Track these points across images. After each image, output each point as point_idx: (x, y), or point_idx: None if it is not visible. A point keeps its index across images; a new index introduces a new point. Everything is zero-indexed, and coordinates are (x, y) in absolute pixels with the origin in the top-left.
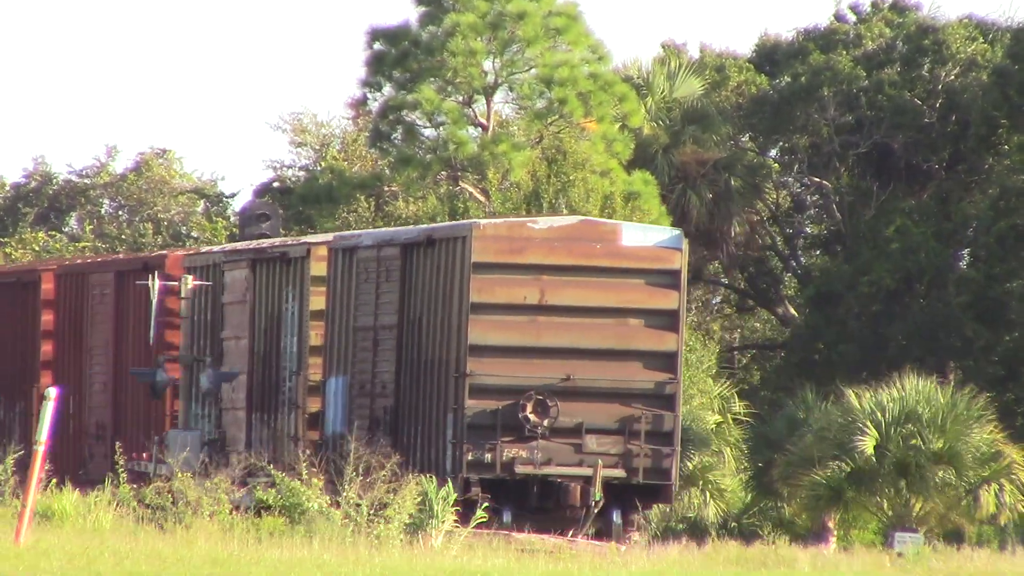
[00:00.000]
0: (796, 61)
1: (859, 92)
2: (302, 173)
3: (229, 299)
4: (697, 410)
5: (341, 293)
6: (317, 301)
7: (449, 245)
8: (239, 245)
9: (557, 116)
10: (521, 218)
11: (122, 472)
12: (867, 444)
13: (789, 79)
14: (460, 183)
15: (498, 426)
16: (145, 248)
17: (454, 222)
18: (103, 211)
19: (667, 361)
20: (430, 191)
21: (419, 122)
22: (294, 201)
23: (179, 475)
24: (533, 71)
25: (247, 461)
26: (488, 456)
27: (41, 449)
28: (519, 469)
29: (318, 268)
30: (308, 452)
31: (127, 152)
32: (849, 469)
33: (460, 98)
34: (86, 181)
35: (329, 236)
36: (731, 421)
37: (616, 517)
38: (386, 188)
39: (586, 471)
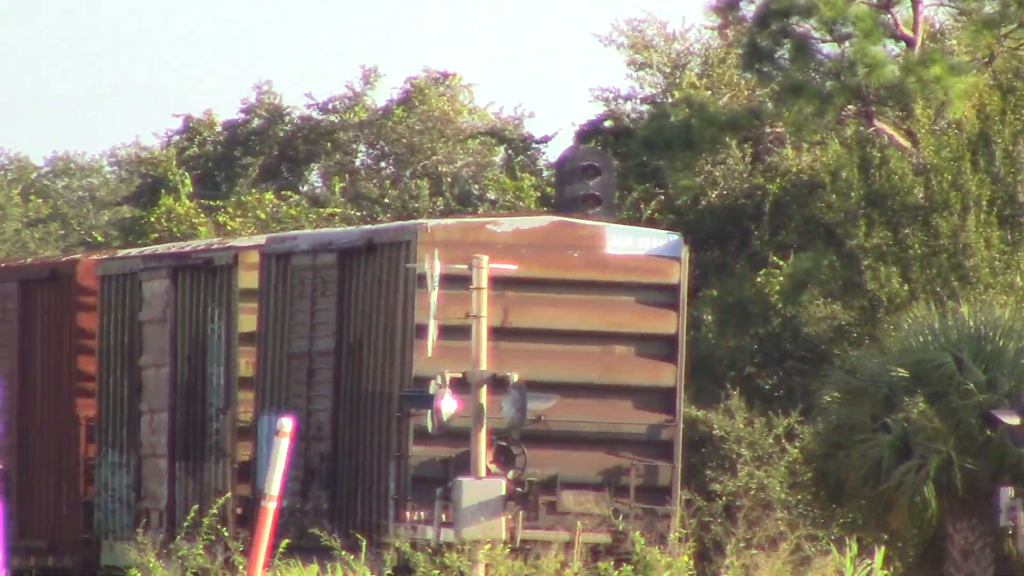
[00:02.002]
0: None
1: None
2: (646, 108)
3: (148, 316)
4: None
5: (275, 310)
6: (247, 320)
7: (391, 251)
8: (159, 249)
9: (1016, 24)
10: (479, 218)
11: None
12: None
13: None
14: (875, 121)
15: (451, 478)
16: (420, 215)
17: (399, 223)
18: (358, 162)
19: (663, 399)
20: (831, 133)
21: (814, 34)
22: (635, 147)
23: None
24: None
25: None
26: (440, 516)
27: (273, 507)
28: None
29: (248, 279)
30: (239, 511)
31: (392, 78)
32: None
33: None
34: (333, 119)
35: (262, 238)
36: None
37: None
38: (768, 129)
39: (563, 535)
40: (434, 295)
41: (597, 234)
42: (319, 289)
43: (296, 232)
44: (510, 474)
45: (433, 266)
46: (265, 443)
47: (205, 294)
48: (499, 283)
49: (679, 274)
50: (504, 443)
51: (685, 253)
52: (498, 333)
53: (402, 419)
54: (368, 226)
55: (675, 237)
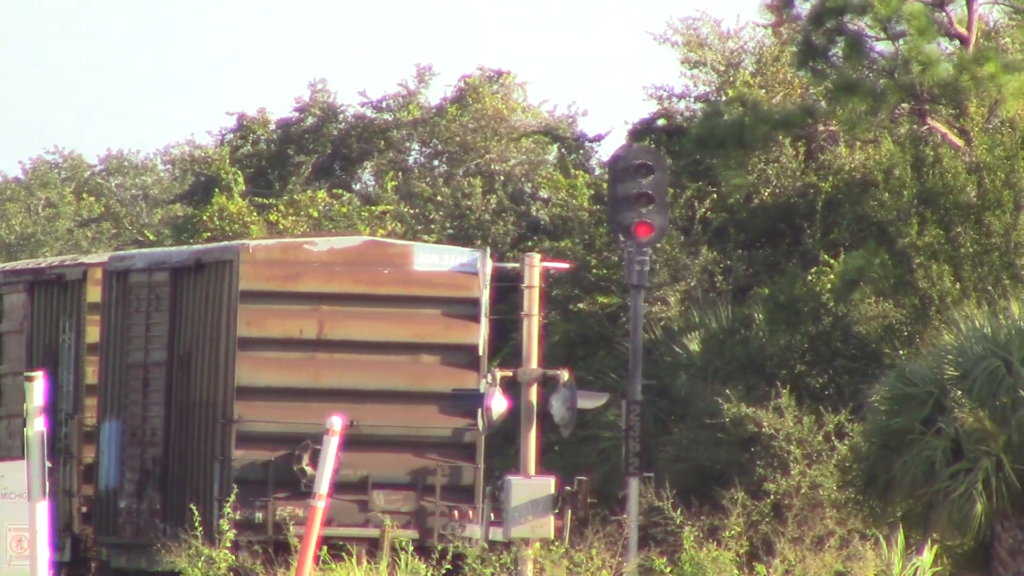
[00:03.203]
0: None
1: None
2: (700, 106)
3: (7, 327)
4: None
5: (115, 324)
6: (95, 331)
7: (217, 270)
8: (18, 265)
9: None
10: (297, 239)
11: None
12: None
13: None
14: (928, 120)
15: (270, 480)
16: (472, 213)
17: (223, 243)
18: (411, 160)
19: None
20: (884, 131)
21: (868, 32)
22: (688, 145)
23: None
24: None
25: None
26: (259, 515)
27: (322, 506)
28: (294, 530)
29: (96, 293)
30: (84, 510)
31: (446, 75)
32: None
33: None
34: (386, 117)
35: (106, 256)
36: None
37: None
38: (821, 127)
39: (372, 532)
40: (485, 293)
41: (405, 252)
42: (153, 304)
43: (135, 251)
44: None
45: (484, 266)
46: (106, 447)
47: (58, 307)
48: (315, 298)
49: (479, 288)
50: (320, 447)
51: (488, 268)
52: (314, 344)
53: (226, 425)
54: (198, 246)
55: (477, 254)
